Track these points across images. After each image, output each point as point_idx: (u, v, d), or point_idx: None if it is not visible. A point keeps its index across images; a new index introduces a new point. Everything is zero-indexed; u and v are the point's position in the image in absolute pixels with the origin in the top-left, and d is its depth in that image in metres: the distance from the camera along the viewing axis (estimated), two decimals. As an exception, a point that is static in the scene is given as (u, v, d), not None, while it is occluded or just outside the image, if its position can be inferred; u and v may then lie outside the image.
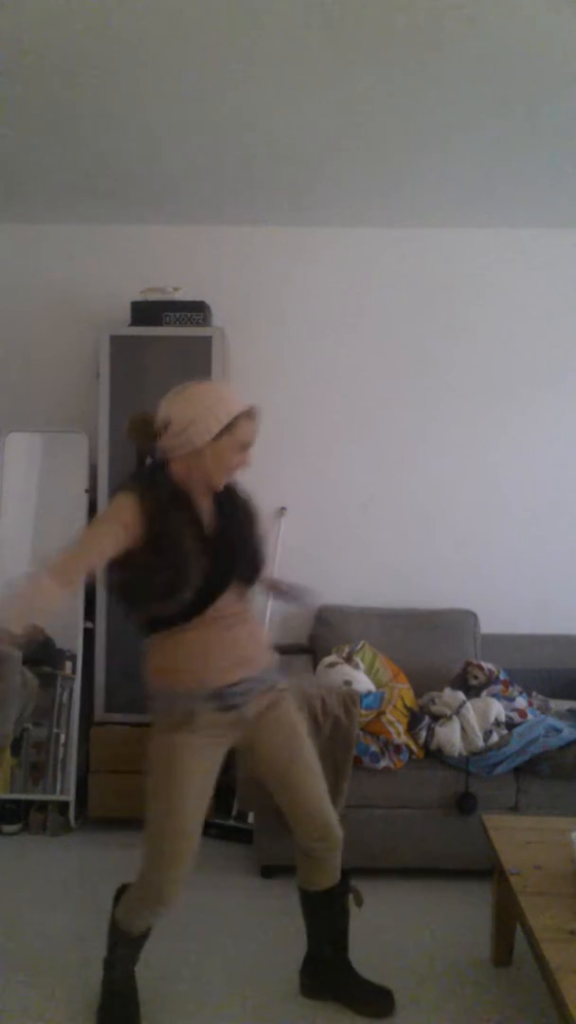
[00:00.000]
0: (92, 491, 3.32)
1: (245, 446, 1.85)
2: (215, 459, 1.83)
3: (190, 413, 1.81)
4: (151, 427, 1.86)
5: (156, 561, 1.76)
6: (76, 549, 1.79)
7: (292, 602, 2.21)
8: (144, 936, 2.00)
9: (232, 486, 1.97)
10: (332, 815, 2.00)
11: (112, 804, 3.11)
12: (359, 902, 2.09)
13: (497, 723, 2.78)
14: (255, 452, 1.91)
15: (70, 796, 3.13)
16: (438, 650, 3.26)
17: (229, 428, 1.81)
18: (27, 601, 1.70)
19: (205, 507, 1.90)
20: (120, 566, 1.78)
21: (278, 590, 2.18)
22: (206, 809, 1.91)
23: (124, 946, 1.99)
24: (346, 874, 2.11)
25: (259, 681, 1.91)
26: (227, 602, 1.88)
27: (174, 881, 1.86)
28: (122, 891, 2.04)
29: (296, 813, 1.98)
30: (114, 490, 1.88)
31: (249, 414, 1.84)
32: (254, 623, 1.99)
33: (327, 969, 2.12)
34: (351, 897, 2.10)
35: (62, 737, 3.19)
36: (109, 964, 2.03)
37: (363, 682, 2.88)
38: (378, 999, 2.08)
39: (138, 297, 3.32)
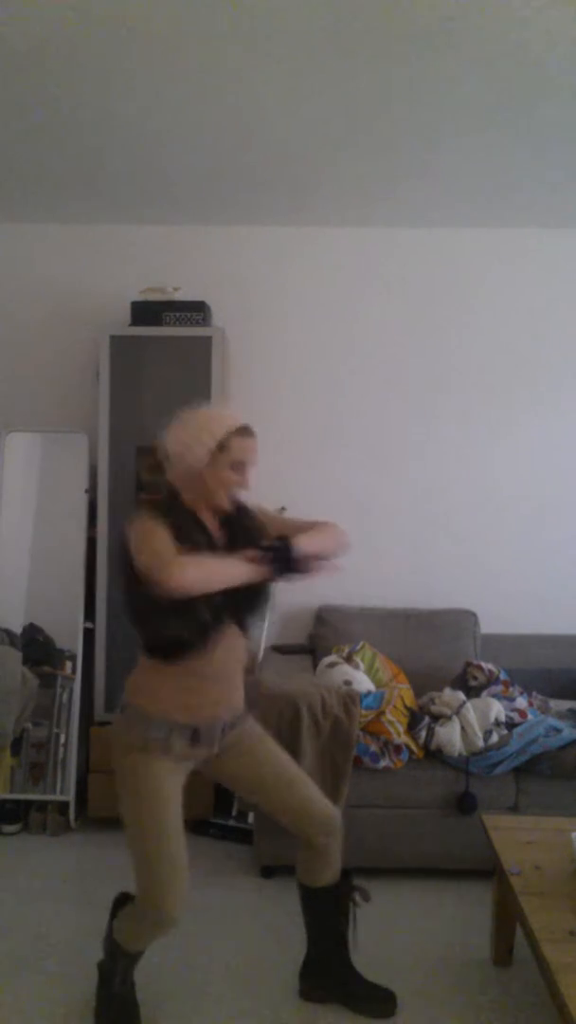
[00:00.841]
0: (92, 491, 3.33)
1: (239, 464, 1.84)
2: (213, 479, 1.84)
3: (184, 438, 1.83)
4: (160, 461, 1.89)
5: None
6: (157, 549, 1.72)
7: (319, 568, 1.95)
8: (142, 952, 1.98)
9: (245, 509, 1.96)
10: (325, 801, 2.02)
11: (112, 804, 3.06)
12: (366, 898, 2.09)
13: (497, 723, 2.78)
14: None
15: (70, 796, 3.13)
16: (438, 650, 3.27)
17: (222, 447, 1.81)
18: (222, 571, 1.72)
19: (216, 533, 1.90)
20: (143, 585, 1.73)
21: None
22: (181, 825, 1.87)
23: (123, 961, 1.98)
24: (348, 873, 2.10)
25: (231, 726, 1.94)
26: (228, 641, 1.86)
27: (175, 900, 1.84)
28: (120, 900, 2.04)
29: (290, 809, 1.99)
30: (131, 520, 1.81)
31: (241, 431, 1.84)
32: (241, 660, 1.96)
33: (328, 968, 2.11)
34: (355, 896, 2.09)
35: (62, 737, 3.19)
36: (108, 972, 2.01)
37: (363, 682, 2.88)
38: (380, 1000, 2.08)
39: (138, 297, 3.32)
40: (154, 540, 1.74)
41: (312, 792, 2.01)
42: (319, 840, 2.00)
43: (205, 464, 1.82)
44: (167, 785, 1.84)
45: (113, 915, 2.03)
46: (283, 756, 2.03)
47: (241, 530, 1.91)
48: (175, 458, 1.85)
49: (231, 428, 1.83)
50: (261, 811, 2.46)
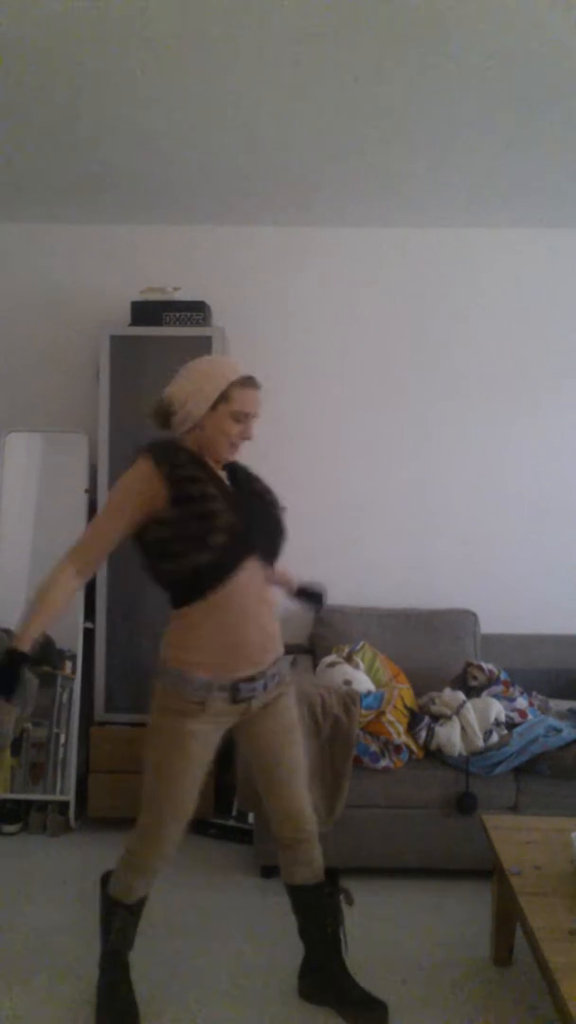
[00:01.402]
0: (92, 491, 3.33)
1: (241, 416, 1.84)
2: (215, 430, 1.85)
3: (188, 387, 1.85)
4: (165, 410, 1.90)
5: (184, 512, 1.77)
6: (93, 531, 1.87)
7: (306, 603, 2.17)
8: (140, 906, 2.01)
9: (249, 471, 2.01)
10: (308, 809, 2.03)
11: (112, 804, 3.12)
12: (350, 901, 2.09)
13: (497, 723, 2.78)
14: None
15: (70, 796, 3.13)
16: (438, 650, 3.26)
17: (224, 397, 1.82)
18: (44, 602, 1.79)
19: (222, 476, 1.92)
20: (149, 529, 1.81)
21: (290, 586, 2.15)
22: (201, 782, 1.93)
23: (122, 918, 2.00)
24: (336, 875, 2.10)
25: (271, 677, 1.93)
26: (250, 576, 1.85)
27: (168, 840, 1.93)
28: (107, 877, 2.07)
29: (273, 800, 2.02)
30: (133, 457, 1.87)
31: (243, 382, 1.84)
32: (272, 609, 1.95)
33: (322, 970, 2.11)
34: (342, 898, 2.09)
35: (62, 737, 3.19)
36: (106, 960, 2.03)
37: (363, 682, 2.88)
38: (370, 1010, 2.03)
39: (138, 297, 3.32)
40: (108, 511, 1.84)
41: (303, 794, 2.02)
42: (286, 835, 2.03)
43: (206, 414, 1.83)
44: (197, 747, 1.87)
45: (105, 887, 2.06)
46: (300, 755, 2.03)
47: (252, 494, 1.94)
48: (179, 408, 1.85)
49: (233, 378, 1.83)
50: (262, 808, 2.47)
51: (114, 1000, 2.01)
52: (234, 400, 1.83)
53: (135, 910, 2.02)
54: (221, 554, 1.78)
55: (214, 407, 1.83)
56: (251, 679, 1.87)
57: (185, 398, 1.84)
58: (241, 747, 2.07)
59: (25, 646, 1.77)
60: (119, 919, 2.01)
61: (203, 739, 1.88)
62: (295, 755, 2.01)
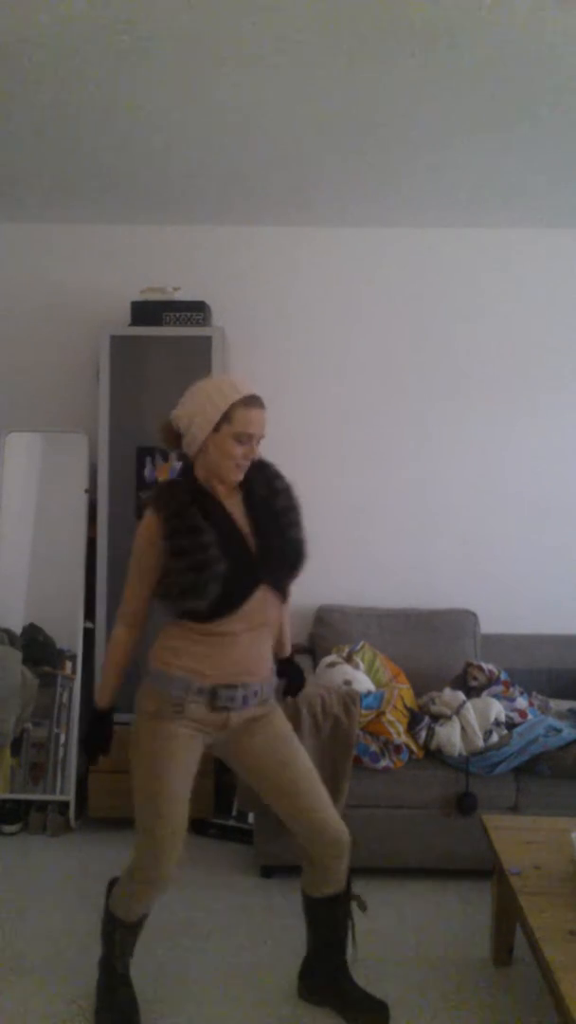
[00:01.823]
0: (92, 491, 3.33)
1: (243, 436, 1.80)
2: (218, 452, 1.82)
3: (191, 409, 1.84)
4: (174, 432, 1.90)
5: (178, 564, 1.77)
6: (128, 589, 1.92)
7: (286, 680, 2.16)
8: (140, 923, 2.00)
9: (273, 477, 1.95)
10: (338, 821, 1.95)
11: (112, 804, 3.11)
12: (363, 907, 2.08)
13: (497, 723, 2.78)
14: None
15: (70, 796, 3.13)
16: (438, 650, 3.26)
17: (227, 418, 1.79)
18: (108, 661, 1.95)
19: (234, 506, 1.89)
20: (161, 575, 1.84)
21: (282, 651, 2.14)
22: (190, 791, 1.90)
23: (121, 934, 1.99)
24: (349, 879, 2.08)
25: (252, 693, 1.90)
26: (258, 605, 1.85)
27: (168, 862, 1.89)
28: (114, 883, 2.05)
29: (301, 823, 1.94)
30: (144, 505, 1.90)
31: (246, 401, 1.80)
32: (270, 631, 1.94)
33: (325, 972, 2.11)
34: (354, 903, 2.08)
35: (62, 737, 3.19)
36: (106, 962, 2.03)
37: (363, 682, 2.88)
38: (371, 1011, 2.02)
39: (138, 297, 3.32)
40: (136, 563, 1.88)
41: (326, 811, 1.94)
42: (323, 855, 1.96)
43: (210, 436, 1.81)
44: (177, 749, 1.84)
45: (108, 897, 2.04)
46: (305, 765, 1.96)
47: (268, 516, 1.90)
48: (184, 429, 1.85)
49: (235, 398, 1.79)
50: (265, 812, 2.47)
51: (114, 1001, 2.01)
52: (236, 420, 1.79)
53: (135, 929, 2.00)
54: (218, 600, 1.78)
55: (217, 428, 1.80)
56: (231, 687, 1.86)
57: (189, 421, 1.83)
58: (241, 775, 2.03)
59: (102, 703, 1.95)
60: (118, 935, 2.00)
61: (184, 742, 1.85)
62: (299, 762, 1.94)
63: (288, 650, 2.16)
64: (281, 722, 1.97)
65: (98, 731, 1.94)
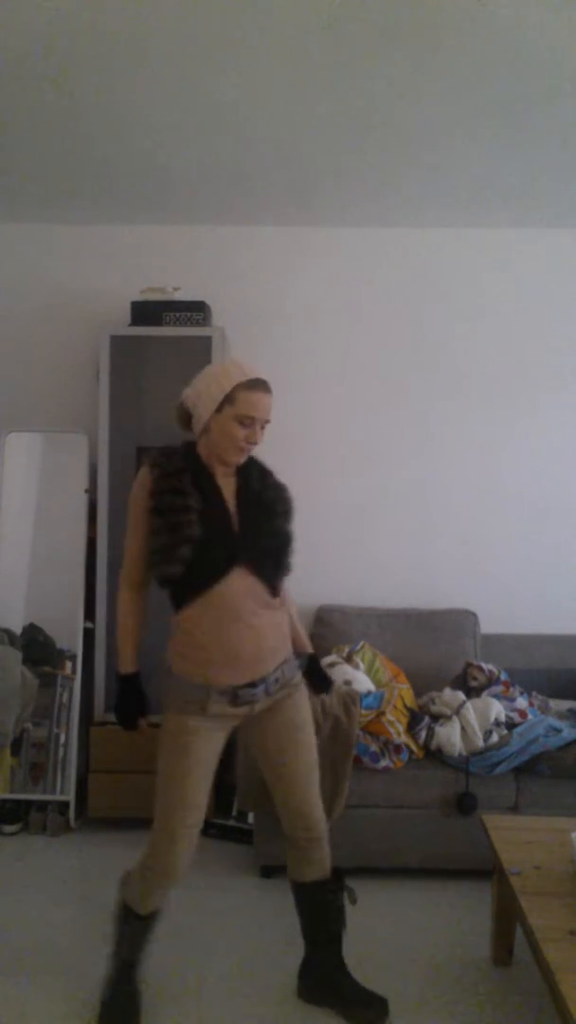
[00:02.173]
0: (92, 491, 3.33)
1: (245, 419, 1.82)
2: (220, 433, 1.84)
3: (199, 388, 1.88)
4: (184, 412, 1.95)
5: (156, 522, 1.81)
6: (127, 549, 1.95)
7: (312, 683, 2.13)
8: (152, 918, 2.00)
9: (268, 475, 1.98)
10: (318, 809, 2.02)
11: (112, 804, 3.12)
12: (353, 900, 2.09)
13: (497, 723, 2.78)
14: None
15: (70, 796, 3.13)
16: (438, 650, 3.26)
17: (230, 399, 1.82)
18: (119, 628, 1.97)
19: (227, 486, 1.91)
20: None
21: (303, 649, 2.13)
22: (210, 786, 1.94)
23: (132, 927, 1.99)
24: (341, 873, 2.10)
25: (273, 681, 1.92)
26: (241, 588, 1.85)
27: (180, 854, 1.91)
28: (128, 876, 2.06)
29: (283, 800, 2.00)
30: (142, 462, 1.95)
31: (250, 384, 1.82)
32: (276, 617, 1.94)
33: (323, 970, 2.11)
34: (345, 896, 2.09)
35: (62, 737, 3.19)
36: (115, 955, 2.03)
37: (363, 682, 2.88)
38: (370, 1007, 2.03)
39: (138, 297, 3.32)
40: (131, 524, 1.90)
41: (312, 794, 2.01)
42: (298, 835, 2.02)
43: (212, 416, 1.84)
44: (197, 743, 1.87)
45: (121, 889, 2.06)
46: (310, 754, 2.00)
47: (257, 503, 1.91)
48: (192, 410, 1.90)
49: (239, 380, 1.81)
50: (265, 812, 2.48)
51: (118, 995, 2.01)
52: (239, 403, 1.81)
53: (147, 922, 2.01)
54: (194, 566, 1.80)
55: (220, 409, 1.83)
56: (251, 684, 1.88)
57: (195, 400, 1.87)
58: (247, 745, 2.07)
59: (124, 669, 1.96)
60: (129, 928, 2.00)
61: (205, 736, 1.88)
62: (302, 753, 1.98)
63: (307, 646, 2.14)
64: (295, 708, 1.98)
65: (127, 698, 1.95)
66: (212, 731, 1.90)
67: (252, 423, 1.83)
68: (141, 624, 1.98)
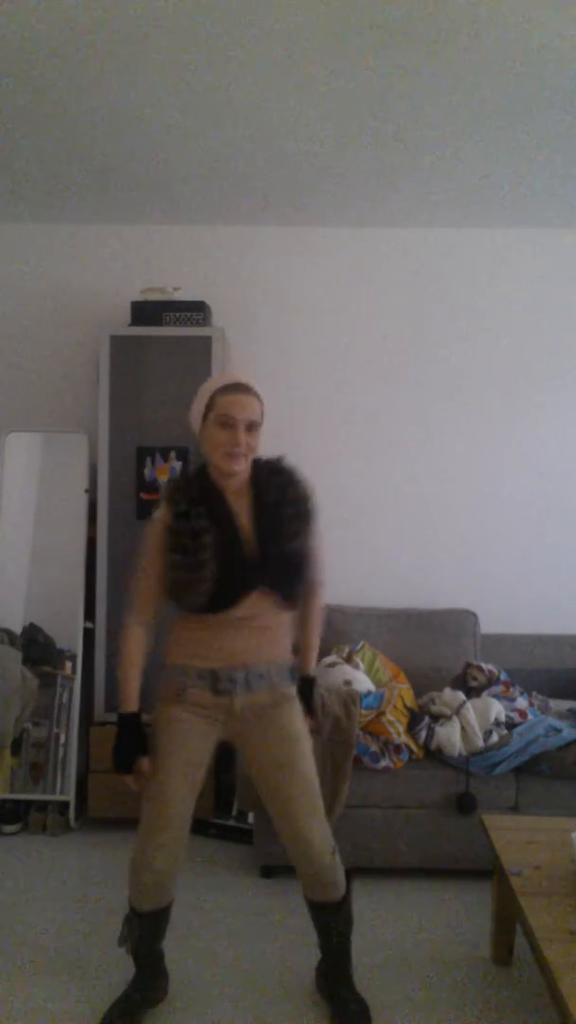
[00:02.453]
0: (92, 491, 3.33)
1: (225, 420, 1.80)
2: (209, 442, 1.84)
3: (191, 408, 1.91)
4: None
5: (174, 560, 1.81)
6: (136, 584, 1.91)
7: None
8: (152, 917, 1.98)
9: (288, 481, 1.92)
10: (322, 841, 1.91)
11: (112, 804, 3.12)
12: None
13: (497, 723, 2.78)
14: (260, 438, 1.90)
15: (70, 796, 3.13)
16: (438, 650, 3.26)
17: (210, 406, 1.83)
18: (122, 659, 1.91)
19: (241, 507, 1.88)
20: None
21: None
22: (195, 783, 1.90)
23: (134, 922, 1.99)
24: (349, 879, 2.06)
25: (259, 677, 1.88)
26: (256, 607, 1.85)
27: (158, 847, 1.88)
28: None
29: (285, 829, 1.91)
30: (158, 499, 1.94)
31: (225, 388, 1.82)
32: (274, 636, 1.91)
33: (326, 975, 2.11)
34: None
35: (62, 737, 3.19)
36: (129, 951, 2.04)
37: (363, 682, 2.88)
38: (349, 1016, 2.00)
39: (138, 297, 3.32)
40: (144, 556, 1.88)
41: (304, 822, 1.89)
42: (303, 872, 1.95)
43: (201, 428, 1.86)
44: (176, 733, 1.86)
45: None
46: (303, 772, 1.90)
47: (272, 518, 1.86)
48: (192, 425, 1.92)
49: (217, 387, 1.83)
50: (262, 808, 2.46)
51: (129, 991, 2.03)
52: (217, 406, 1.81)
53: (149, 921, 1.98)
54: (212, 599, 1.80)
55: (205, 419, 1.85)
56: (232, 668, 1.85)
57: (191, 420, 1.91)
58: (246, 766, 2.02)
59: (124, 707, 1.89)
60: (134, 927, 2.00)
61: (185, 727, 1.86)
62: (297, 776, 1.89)
63: (308, 666, 2.08)
64: (290, 719, 1.92)
65: (125, 739, 1.87)
66: (191, 721, 1.86)
67: (233, 423, 1.80)
68: (144, 662, 1.92)
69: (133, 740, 1.87)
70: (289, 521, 1.87)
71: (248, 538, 1.85)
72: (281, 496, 1.89)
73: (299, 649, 2.06)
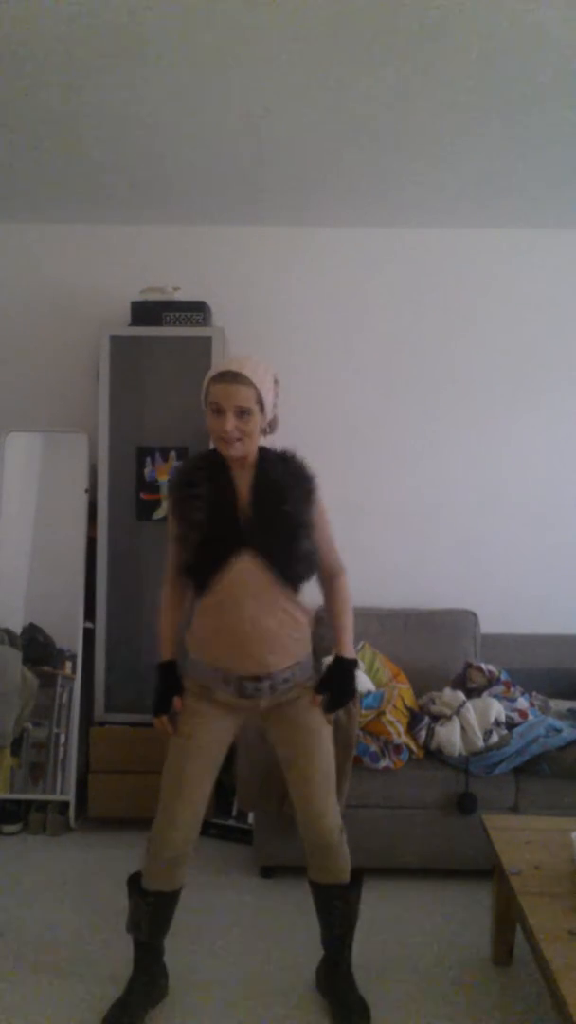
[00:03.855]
0: (92, 491, 3.33)
1: (216, 407, 1.88)
2: (209, 429, 1.93)
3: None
4: None
5: (176, 517, 1.97)
6: (167, 550, 2.05)
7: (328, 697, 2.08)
8: (157, 901, 2.00)
9: (290, 462, 1.99)
10: (327, 816, 2.01)
11: (112, 804, 3.12)
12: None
13: (497, 723, 2.78)
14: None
15: (70, 796, 3.13)
16: (438, 650, 3.26)
17: (206, 395, 1.91)
18: (160, 621, 2.10)
19: (243, 479, 1.96)
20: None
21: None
22: (213, 770, 1.99)
23: (136, 898, 2.01)
24: (359, 880, 2.10)
25: (282, 681, 1.95)
26: (244, 575, 1.88)
27: (172, 826, 1.94)
28: (134, 877, 2.10)
29: (300, 812, 2.03)
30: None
31: (215, 377, 1.89)
32: (272, 609, 1.93)
33: (325, 967, 2.13)
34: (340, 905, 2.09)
35: (62, 737, 3.19)
36: (133, 942, 2.08)
37: (363, 682, 2.88)
38: (351, 1014, 2.01)
39: (138, 297, 3.32)
40: (170, 544, 2.02)
41: (319, 800, 1.99)
42: (311, 843, 2.04)
43: (206, 417, 1.93)
44: (198, 725, 1.95)
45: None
46: (321, 761, 1.99)
47: (270, 490, 1.94)
48: None
49: (211, 375, 1.91)
50: (265, 812, 2.48)
51: (131, 985, 2.05)
52: (209, 394, 1.90)
53: (154, 904, 2.01)
54: (201, 551, 1.90)
55: (205, 408, 1.92)
56: (256, 679, 1.91)
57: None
58: (248, 746, 2.15)
59: (164, 656, 2.05)
60: (140, 907, 2.02)
61: (207, 720, 1.95)
62: (315, 758, 1.98)
63: (343, 648, 2.09)
64: (307, 711, 2.00)
65: (163, 682, 2.02)
66: (216, 716, 1.96)
67: (222, 411, 1.87)
68: (180, 619, 2.08)
69: (169, 684, 2.01)
70: (287, 490, 1.94)
71: (244, 503, 1.94)
72: (283, 472, 1.98)
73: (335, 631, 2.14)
